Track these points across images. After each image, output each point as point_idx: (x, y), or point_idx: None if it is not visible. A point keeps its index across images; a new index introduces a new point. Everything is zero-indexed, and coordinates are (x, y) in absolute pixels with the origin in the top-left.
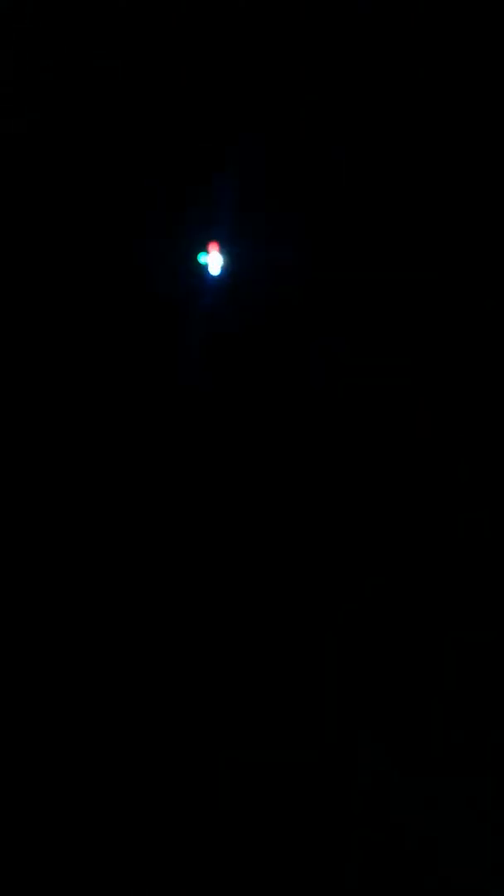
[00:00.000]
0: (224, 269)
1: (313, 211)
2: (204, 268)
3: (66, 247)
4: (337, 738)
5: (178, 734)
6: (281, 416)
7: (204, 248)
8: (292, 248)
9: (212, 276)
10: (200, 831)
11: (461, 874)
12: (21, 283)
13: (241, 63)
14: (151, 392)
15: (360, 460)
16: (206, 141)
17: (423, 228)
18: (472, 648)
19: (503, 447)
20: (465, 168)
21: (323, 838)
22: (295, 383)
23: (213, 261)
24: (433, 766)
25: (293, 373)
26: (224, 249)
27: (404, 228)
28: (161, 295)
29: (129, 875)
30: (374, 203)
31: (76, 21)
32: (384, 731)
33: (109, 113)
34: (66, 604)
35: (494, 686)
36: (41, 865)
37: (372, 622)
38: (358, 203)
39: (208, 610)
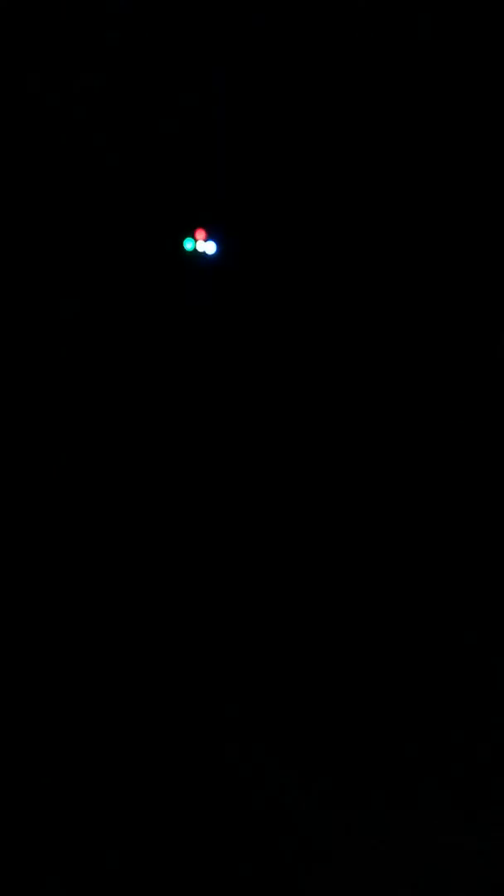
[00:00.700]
0: (214, 253)
1: (306, 198)
2: (193, 252)
3: (59, 232)
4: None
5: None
6: (277, 398)
7: (192, 234)
8: (284, 233)
9: (201, 260)
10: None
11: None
12: (14, 270)
13: (232, 50)
14: (146, 375)
15: (358, 451)
16: (197, 124)
17: (416, 215)
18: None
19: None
20: (463, 160)
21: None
22: (291, 369)
23: (202, 246)
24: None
25: (288, 358)
26: (214, 234)
27: (397, 215)
28: (152, 278)
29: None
30: (367, 189)
31: (69, 9)
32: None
33: (101, 100)
34: (65, 595)
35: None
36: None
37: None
38: (352, 190)
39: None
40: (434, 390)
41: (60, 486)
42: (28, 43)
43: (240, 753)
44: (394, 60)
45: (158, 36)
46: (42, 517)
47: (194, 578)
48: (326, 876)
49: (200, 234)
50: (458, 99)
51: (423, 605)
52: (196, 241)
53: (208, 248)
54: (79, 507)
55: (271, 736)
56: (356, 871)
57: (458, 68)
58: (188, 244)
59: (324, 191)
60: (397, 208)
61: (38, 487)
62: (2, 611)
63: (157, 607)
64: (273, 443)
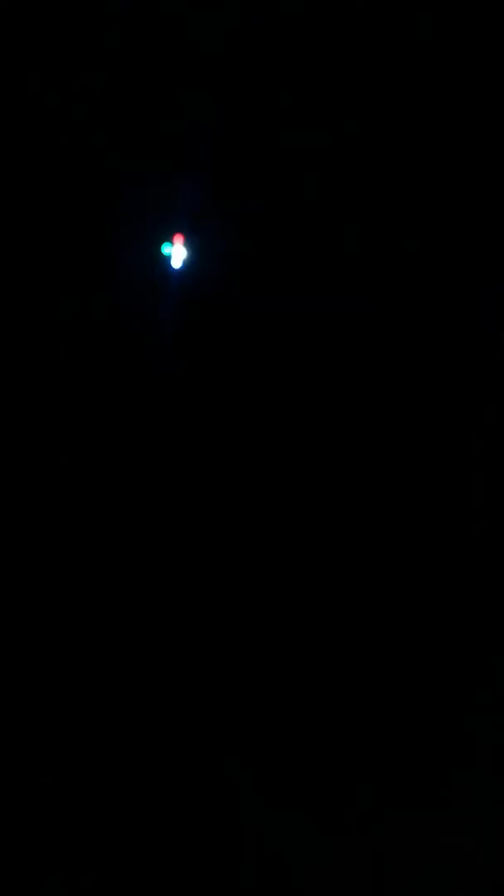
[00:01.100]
0: (187, 260)
1: (305, 198)
2: (168, 258)
3: (58, 232)
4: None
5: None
6: (275, 398)
7: (169, 240)
8: (256, 241)
9: (175, 266)
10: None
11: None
12: (15, 270)
13: (232, 50)
14: (146, 374)
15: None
16: (174, 131)
17: (416, 215)
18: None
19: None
20: (463, 160)
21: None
22: (288, 368)
23: (177, 252)
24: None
25: (285, 357)
26: (188, 241)
27: (396, 215)
28: (127, 284)
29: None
30: (367, 189)
31: (60, 17)
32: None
33: (101, 100)
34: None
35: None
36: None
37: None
38: (351, 188)
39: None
40: (434, 390)
41: (60, 487)
42: (28, 43)
43: (240, 749)
44: (394, 60)
45: (158, 36)
46: (42, 518)
47: (192, 592)
48: (326, 876)
49: (179, 238)
50: (457, 99)
51: (422, 605)
52: (174, 245)
53: (182, 253)
54: (78, 509)
55: (271, 735)
56: (356, 871)
57: (458, 68)
58: (166, 248)
59: (323, 189)
60: (397, 208)
61: (37, 488)
62: (2, 611)
63: (156, 618)
64: (272, 444)
